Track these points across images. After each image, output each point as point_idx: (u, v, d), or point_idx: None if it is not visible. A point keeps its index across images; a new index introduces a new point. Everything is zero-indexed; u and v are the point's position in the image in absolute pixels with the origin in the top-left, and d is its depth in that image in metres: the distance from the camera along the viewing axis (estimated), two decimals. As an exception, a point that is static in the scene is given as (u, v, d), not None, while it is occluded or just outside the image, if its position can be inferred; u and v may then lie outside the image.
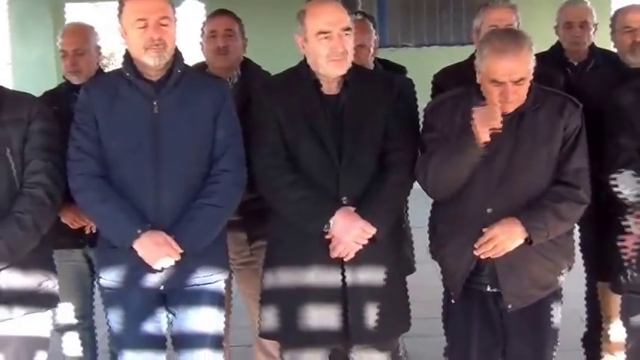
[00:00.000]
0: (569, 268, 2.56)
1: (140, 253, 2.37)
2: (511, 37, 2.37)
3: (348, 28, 2.43)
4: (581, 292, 3.34)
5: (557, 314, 2.54)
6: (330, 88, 2.50)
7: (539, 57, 3.38)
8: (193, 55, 3.26)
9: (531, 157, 2.40)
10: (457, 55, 3.28)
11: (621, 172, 2.05)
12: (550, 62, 3.26)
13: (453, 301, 2.53)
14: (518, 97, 2.34)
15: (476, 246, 2.38)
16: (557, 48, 3.41)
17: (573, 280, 3.27)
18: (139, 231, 2.36)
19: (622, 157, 2.45)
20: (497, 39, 2.37)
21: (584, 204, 2.44)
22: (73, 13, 7.40)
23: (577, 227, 3.32)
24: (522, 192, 2.40)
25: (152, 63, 2.38)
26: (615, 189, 2.41)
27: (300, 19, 2.48)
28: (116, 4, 2.45)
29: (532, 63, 2.36)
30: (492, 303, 2.47)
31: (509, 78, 2.29)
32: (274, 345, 2.85)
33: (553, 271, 2.48)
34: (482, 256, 2.39)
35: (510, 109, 2.36)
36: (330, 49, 2.40)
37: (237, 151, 2.48)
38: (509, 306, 2.44)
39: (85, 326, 3.22)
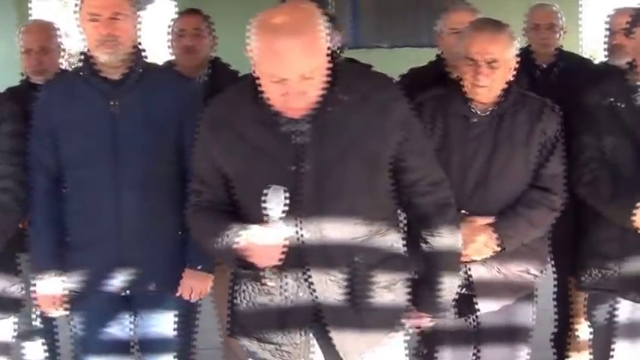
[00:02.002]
0: (543, 272, 2.56)
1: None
2: (493, 22, 2.43)
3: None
4: (551, 291, 3.36)
5: (530, 316, 2.55)
6: None
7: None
8: (164, 54, 3.23)
9: (509, 161, 2.38)
10: (430, 56, 3.29)
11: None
12: (520, 64, 3.30)
13: None
14: (491, 82, 2.33)
15: None
16: (525, 51, 3.43)
17: (544, 279, 3.28)
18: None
19: (584, 156, 2.48)
20: (480, 21, 2.47)
21: (557, 211, 2.44)
22: (39, 10, 7.27)
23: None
24: (497, 197, 2.39)
25: (105, 59, 2.33)
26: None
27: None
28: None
29: (512, 54, 2.36)
30: (465, 305, 2.45)
31: (482, 57, 2.30)
32: (243, 346, 2.83)
33: (527, 275, 2.48)
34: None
35: (483, 98, 2.36)
36: None
37: None
38: (482, 309, 2.44)
39: (47, 331, 3.18)
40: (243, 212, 1.88)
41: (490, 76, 2.33)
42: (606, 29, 3.20)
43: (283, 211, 1.76)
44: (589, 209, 2.52)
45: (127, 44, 2.34)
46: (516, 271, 2.45)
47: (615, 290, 2.47)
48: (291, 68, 1.72)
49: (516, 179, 2.40)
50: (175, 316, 2.49)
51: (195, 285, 2.48)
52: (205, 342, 3.17)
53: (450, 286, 2.00)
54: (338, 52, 3.21)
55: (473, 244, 2.33)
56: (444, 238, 1.97)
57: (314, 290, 1.87)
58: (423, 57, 3.30)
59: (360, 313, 1.90)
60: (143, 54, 2.42)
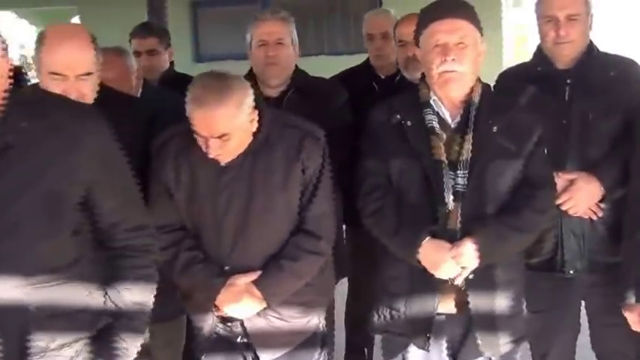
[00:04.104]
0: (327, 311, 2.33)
1: None
2: (216, 87, 2.00)
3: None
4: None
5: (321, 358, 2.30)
6: None
7: (351, 72, 3.20)
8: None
9: (268, 208, 2.12)
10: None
11: None
12: (360, 77, 3.07)
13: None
14: (227, 150, 2.06)
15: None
16: (366, 62, 3.19)
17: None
18: None
19: (368, 183, 2.20)
20: (202, 87, 2.03)
21: (324, 254, 2.20)
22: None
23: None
24: (260, 249, 2.15)
25: None
26: None
27: None
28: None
29: (245, 115, 2.04)
30: (249, 355, 2.24)
31: (209, 132, 2.01)
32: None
33: (307, 314, 2.24)
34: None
35: (224, 159, 2.09)
36: None
37: None
38: (263, 358, 2.21)
39: None
40: None
41: (224, 147, 2.05)
42: (397, 42, 2.89)
43: None
44: (379, 242, 2.25)
45: None
46: (295, 314, 2.22)
47: (404, 334, 2.20)
48: None
49: (278, 226, 2.16)
50: None
51: None
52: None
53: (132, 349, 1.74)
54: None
55: (237, 307, 2.14)
56: (133, 294, 1.73)
57: None
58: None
59: None
60: None
